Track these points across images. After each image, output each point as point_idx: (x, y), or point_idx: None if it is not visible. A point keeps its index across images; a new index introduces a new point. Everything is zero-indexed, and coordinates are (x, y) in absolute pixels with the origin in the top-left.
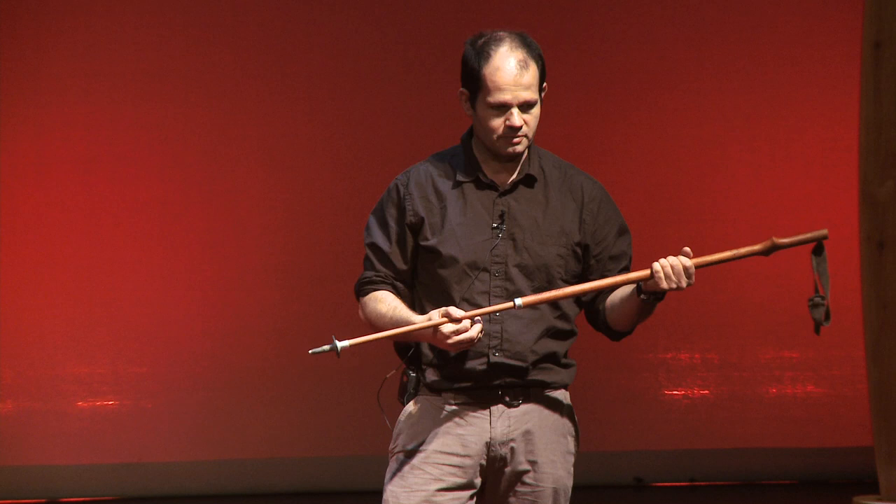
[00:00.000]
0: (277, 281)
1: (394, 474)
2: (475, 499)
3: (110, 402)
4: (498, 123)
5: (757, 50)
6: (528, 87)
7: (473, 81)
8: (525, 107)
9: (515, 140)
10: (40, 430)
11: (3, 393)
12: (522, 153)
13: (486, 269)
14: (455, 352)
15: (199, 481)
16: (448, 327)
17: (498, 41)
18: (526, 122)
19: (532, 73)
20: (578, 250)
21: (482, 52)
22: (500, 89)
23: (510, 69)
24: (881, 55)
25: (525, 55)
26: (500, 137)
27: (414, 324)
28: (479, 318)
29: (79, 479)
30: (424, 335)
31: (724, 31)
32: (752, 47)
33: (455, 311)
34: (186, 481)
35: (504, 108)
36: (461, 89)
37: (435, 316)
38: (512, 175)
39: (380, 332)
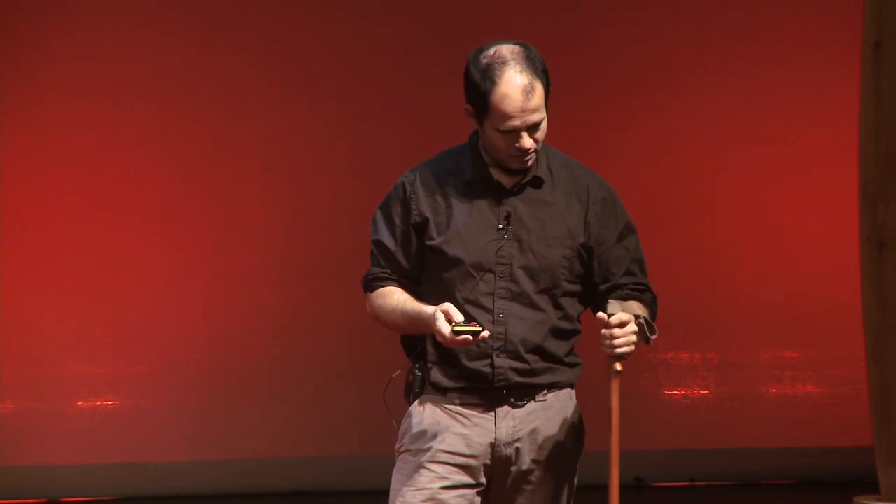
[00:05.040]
0: (278, 281)
1: (400, 473)
2: (481, 497)
3: (110, 402)
4: (507, 145)
5: (757, 50)
6: (535, 110)
7: (481, 105)
8: (534, 128)
9: (526, 158)
10: (40, 430)
11: (3, 393)
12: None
13: (490, 270)
14: (453, 346)
15: (199, 481)
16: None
17: (503, 64)
18: (535, 140)
19: (538, 94)
20: (584, 252)
21: (487, 77)
22: (509, 117)
23: (518, 97)
24: (881, 55)
25: (531, 77)
26: (509, 156)
27: (426, 314)
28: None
29: (79, 479)
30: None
31: (724, 31)
32: (753, 47)
33: (455, 315)
34: (186, 481)
35: (514, 132)
36: (467, 105)
37: (439, 316)
38: (519, 176)
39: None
